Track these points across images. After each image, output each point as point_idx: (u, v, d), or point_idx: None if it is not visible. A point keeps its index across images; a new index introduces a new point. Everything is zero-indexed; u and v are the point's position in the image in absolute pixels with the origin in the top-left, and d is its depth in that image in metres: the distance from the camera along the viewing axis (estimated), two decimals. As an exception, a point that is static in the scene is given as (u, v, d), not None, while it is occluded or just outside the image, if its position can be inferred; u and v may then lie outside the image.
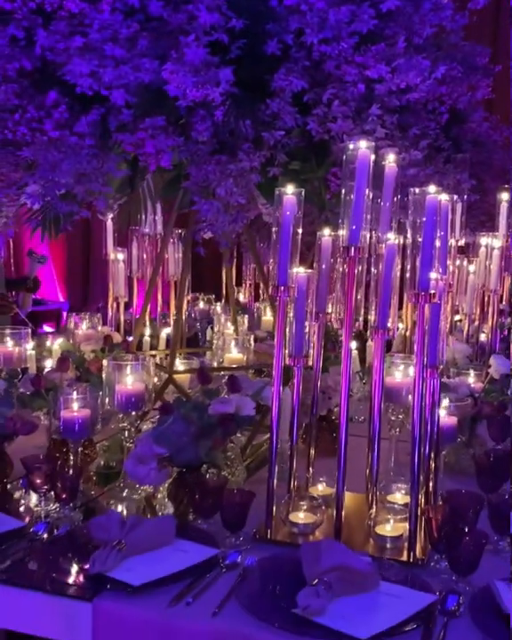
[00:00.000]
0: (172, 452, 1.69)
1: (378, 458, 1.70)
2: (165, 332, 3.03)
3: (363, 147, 1.50)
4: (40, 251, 4.55)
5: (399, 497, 1.79)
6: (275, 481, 1.66)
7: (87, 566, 1.46)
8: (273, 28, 1.79)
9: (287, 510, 1.69)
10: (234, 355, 2.36)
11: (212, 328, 3.22)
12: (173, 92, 1.57)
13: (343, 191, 1.58)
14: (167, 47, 1.64)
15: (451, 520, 1.52)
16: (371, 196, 1.57)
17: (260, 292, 3.85)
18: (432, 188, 1.47)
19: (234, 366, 2.28)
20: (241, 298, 3.90)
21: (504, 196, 2.73)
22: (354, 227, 1.50)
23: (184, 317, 2.85)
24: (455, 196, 2.29)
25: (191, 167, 1.73)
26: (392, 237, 1.58)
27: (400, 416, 2.00)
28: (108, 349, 2.56)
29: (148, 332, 2.95)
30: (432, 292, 1.48)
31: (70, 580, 1.47)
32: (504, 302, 4.05)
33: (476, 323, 3.03)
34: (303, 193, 1.58)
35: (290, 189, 1.55)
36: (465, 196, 2.82)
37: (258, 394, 1.87)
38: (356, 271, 1.58)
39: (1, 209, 2.01)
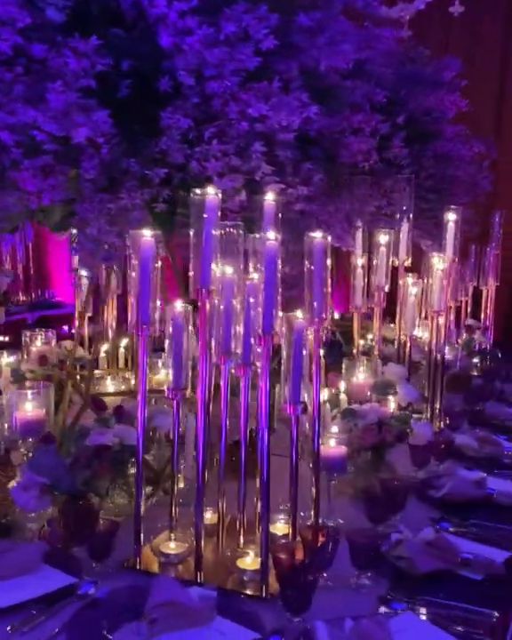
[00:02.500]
0: (52, 482, 1.75)
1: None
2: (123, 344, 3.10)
3: (211, 193, 1.54)
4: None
5: (279, 527, 1.83)
6: (142, 510, 1.71)
7: None
8: (166, 66, 1.83)
9: (162, 540, 1.74)
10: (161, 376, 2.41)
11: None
12: (39, 137, 1.62)
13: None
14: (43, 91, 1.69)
15: (289, 559, 1.53)
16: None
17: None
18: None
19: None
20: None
21: (450, 215, 2.70)
22: (203, 271, 1.54)
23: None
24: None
25: (78, 204, 1.78)
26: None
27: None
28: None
29: (104, 347, 3.04)
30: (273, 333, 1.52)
31: None
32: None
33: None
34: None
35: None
36: (410, 215, 2.82)
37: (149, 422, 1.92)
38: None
39: None
